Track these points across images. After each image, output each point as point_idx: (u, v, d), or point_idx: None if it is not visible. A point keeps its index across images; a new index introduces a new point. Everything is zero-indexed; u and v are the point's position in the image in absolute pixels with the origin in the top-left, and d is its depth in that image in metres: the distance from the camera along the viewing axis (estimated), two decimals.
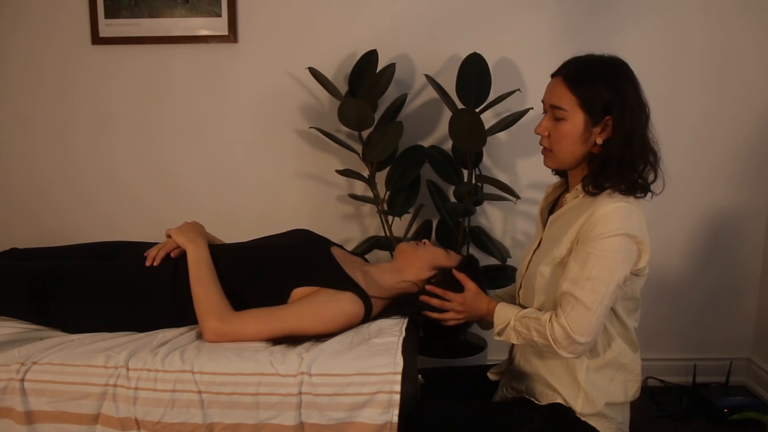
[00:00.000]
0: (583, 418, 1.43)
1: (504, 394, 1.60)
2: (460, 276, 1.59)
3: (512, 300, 1.62)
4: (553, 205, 1.58)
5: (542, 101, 1.45)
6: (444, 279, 1.61)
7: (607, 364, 1.44)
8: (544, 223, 1.55)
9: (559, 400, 1.45)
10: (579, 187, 1.43)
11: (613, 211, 1.32)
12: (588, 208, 1.36)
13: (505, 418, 1.48)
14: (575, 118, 1.36)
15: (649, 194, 1.41)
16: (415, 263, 1.65)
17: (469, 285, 1.57)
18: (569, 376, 1.44)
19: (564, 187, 1.56)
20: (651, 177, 1.40)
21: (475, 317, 1.56)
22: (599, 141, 1.37)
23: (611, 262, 1.32)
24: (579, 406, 1.43)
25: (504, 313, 1.47)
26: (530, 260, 1.54)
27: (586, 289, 1.32)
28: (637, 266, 1.38)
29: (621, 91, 1.34)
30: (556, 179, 1.61)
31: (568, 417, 1.43)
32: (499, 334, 1.47)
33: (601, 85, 1.35)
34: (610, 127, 1.36)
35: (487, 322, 1.68)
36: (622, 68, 1.39)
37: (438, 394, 1.62)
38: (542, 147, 1.46)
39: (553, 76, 1.43)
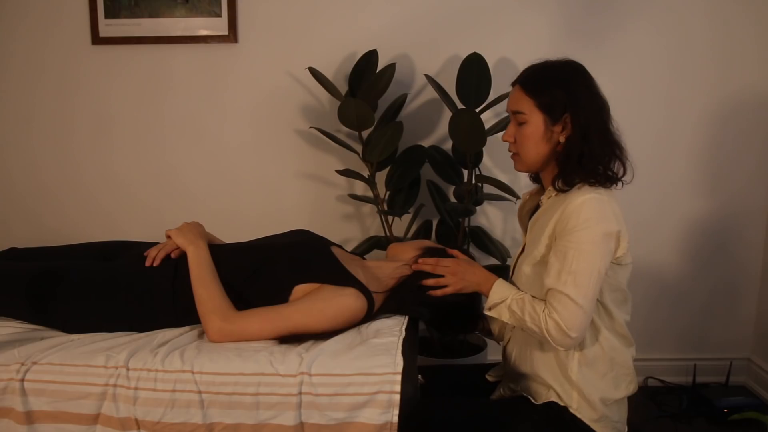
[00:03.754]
0: (578, 416, 1.44)
1: (502, 394, 1.62)
2: (453, 251, 1.64)
3: None
4: (533, 212, 1.62)
5: (506, 111, 1.52)
6: (436, 253, 1.65)
7: (597, 358, 1.45)
8: (526, 229, 1.59)
9: (554, 398, 1.46)
10: (551, 187, 1.47)
11: (584, 203, 1.36)
12: (561, 205, 1.40)
13: (503, 414, 1.49)
14: (535, 119, 1.43)
15: (620, 183, 1.46)
16: (407, 247, 1.71)
17: (462, 256, 1.62)
18: (562, 373, 1.45)
19: (541, 193, 1.60)
20: (620, 170, 1.45)
21: (471, 284, 1.55)
22: (562, 139, 1.43)
23: (590, 255, 1.35)
24: (574, 403, 1.44)
25: (502, 290, 1.48)
26: (515, 265, 1.58)
27: (569, 284, 1.35)
28: (616, 255, 1.40)
29: (573, 89, 1.41)
30: None
31: (563, 416, 1.44)
32: (490, 308, 1.49)
33: (554, 86, 1.42)
34: (570, 125, 1.41)
35: (486, 330, 1.70)
36: (574, 69, 1.45)
37: (437, 391, 1.62)
38: (511, 153, 1.52)
39: (512, 84, 1.50)
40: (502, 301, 1.47)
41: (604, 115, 1.43)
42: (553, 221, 1.40)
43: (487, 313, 1.50)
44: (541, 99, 1.42)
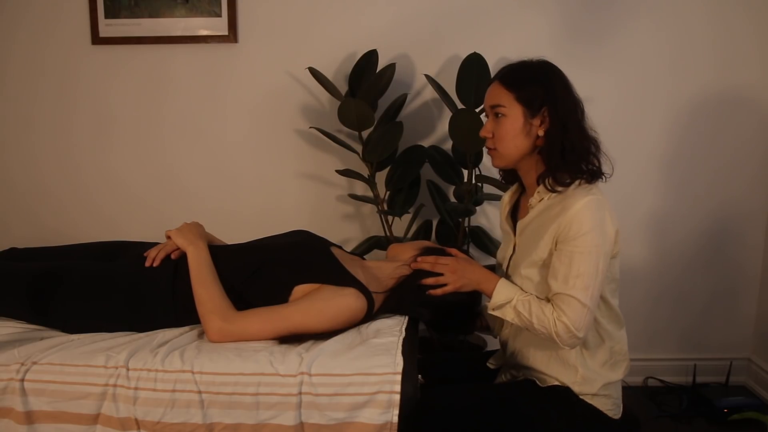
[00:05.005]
0: (581, 397, 1.48)
1: (504, 379, 1.64)
2: (452, 250, 1.65)
3: None
4: (514, 210, 1.64)
5: (483, 108, 1.55)
6: (436, 253, 1.65)
7: (598, 350, 1.49)
8: (514, 229, 1.60)
9: (557, 384, 1.50)
10: (541, 189, 1.48)
11: (585, 207, 1.39)
12: (559, 208, 1.42)
13: (510, 394, 1.53)
14: (514, 112, 1.46)
15: (604, 177, 1.48)
16: (407, 248, 1.71)
17: (461, 254, 1.63)
18: (564, 367, 1.49)
19: (519, 191, 1.62)
20: (597, 165, 1.48)
21: (470, 282, 1.55)
22: (540, 133, 1.46)
23: (594, 257, 1.38)
24: (577, 387, 1.48)
25: (507, 291, 1.49)
26: (507, 266, 1.59)
27: (577, 287, 1.38)
28: (613, 251, 1.45)
29: (551, 85, 1.46)
30: None
31: (568, 396, 1.48)
32: (494, 309, 1.50)
33: (533, 80, 1.47)
34: (548, 118, 1.44)
35: (485, 328, 1.72)
36: (551, 68, 1.50)
37: (440, 381, 1.65)
38: (488, 149, 1.55)
39: (490, 83, 1.53)
40: (507, 302, 1.48)
41: (579, 113, 1.47)
42: (555, 226, 1.41)
43: (491, 313, 1.51)
44: (520, 92, 1.45)
